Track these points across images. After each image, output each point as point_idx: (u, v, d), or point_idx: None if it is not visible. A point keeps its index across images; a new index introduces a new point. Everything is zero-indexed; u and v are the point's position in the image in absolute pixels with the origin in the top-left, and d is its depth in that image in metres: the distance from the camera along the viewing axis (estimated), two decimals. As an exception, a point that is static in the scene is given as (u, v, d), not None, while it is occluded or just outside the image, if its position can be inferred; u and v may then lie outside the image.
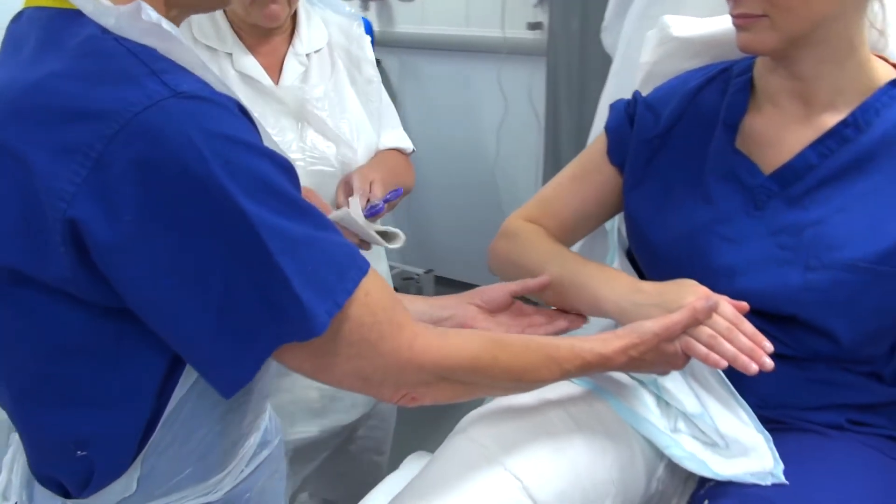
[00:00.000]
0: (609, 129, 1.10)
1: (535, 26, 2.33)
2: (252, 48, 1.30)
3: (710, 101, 1.03)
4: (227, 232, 0.60)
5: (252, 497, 0.81)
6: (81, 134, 0.58)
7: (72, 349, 0.65)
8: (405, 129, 1.45)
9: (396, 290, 0.83)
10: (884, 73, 0.94)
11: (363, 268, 0.68)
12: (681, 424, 0.93)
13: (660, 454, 0.93)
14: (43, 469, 0.73)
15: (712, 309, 0.85)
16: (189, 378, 0.69)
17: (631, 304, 0.91)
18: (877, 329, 0.91)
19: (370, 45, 1.43)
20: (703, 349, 0.84)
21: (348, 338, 0.67)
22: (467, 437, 0.88)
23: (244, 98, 1.28)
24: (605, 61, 1.43)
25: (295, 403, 1.33)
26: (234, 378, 0.65)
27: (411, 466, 1.06)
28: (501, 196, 2.57)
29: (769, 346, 0.83)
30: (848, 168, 0.92)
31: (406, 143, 1.45)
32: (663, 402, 0.95)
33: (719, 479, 0.88)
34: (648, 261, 1.06)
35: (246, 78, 1.29)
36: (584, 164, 1.12)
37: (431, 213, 2.83)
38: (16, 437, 0.77)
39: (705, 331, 0.84)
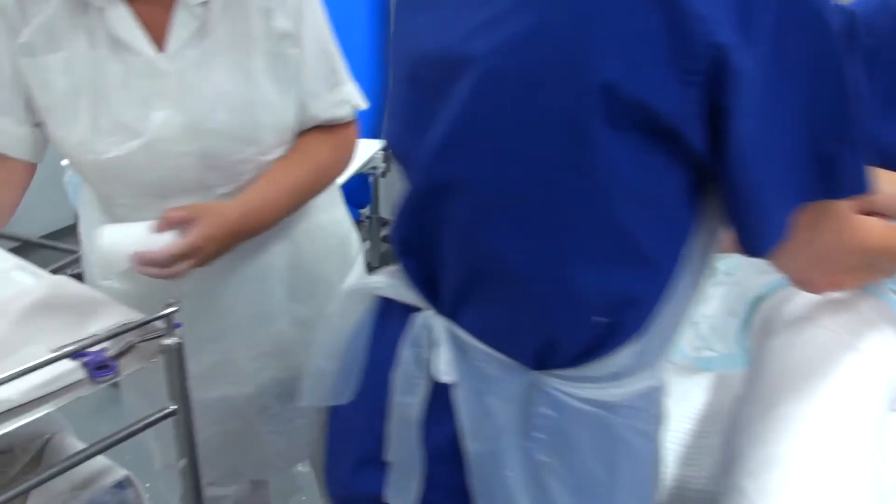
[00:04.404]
0: None
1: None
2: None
3: None
4: (826, 77, 0.59)
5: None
6: None
7: (643, 201, 0.63)
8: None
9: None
10: None
11: None
12: None
13: None
14: (524, 335, 0.69)
15: None
16: (705, 243, 0.68)
17: None
18: None
19: None
20: None
21: (838, 210, 0.67)
22: (818, 324, 0.87)
23: (116, 79, 0.96)
24: None
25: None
26: (773, 233, 0.63)
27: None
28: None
29: None
30: None
31: (342, 110, 1.12)
32: None
33: None
34: None
35: (118, 46, 0.98)
36: None
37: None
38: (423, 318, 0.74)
39: None
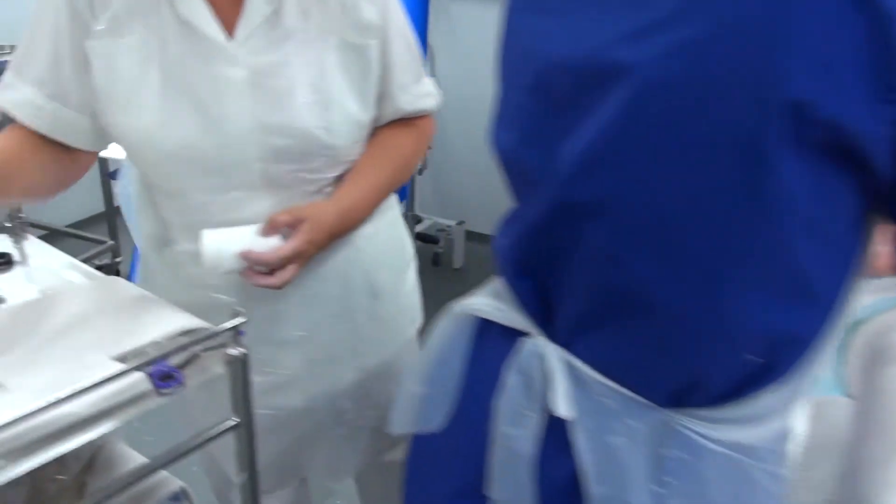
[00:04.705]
0: None
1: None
2: None
3: None
4: None
5: None
6: None
7: (815, 228, 0.58)
8: (433, 77, 1.19)
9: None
10: None
11: None
12: None
13: None
14: (661, 371, 0.64)
15: None
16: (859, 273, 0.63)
17: None
18: None
19: None
20: None
21: None
22: None
23: (184, 65, 0.90)
24: None
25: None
26: None
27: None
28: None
29: None
30: None
31: (427, 102, 1.10)
32: None
33: None
34: None
35: (186, 30, 0.92)
36: None
37: (461, 165, 2.64)
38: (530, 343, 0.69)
39: None
